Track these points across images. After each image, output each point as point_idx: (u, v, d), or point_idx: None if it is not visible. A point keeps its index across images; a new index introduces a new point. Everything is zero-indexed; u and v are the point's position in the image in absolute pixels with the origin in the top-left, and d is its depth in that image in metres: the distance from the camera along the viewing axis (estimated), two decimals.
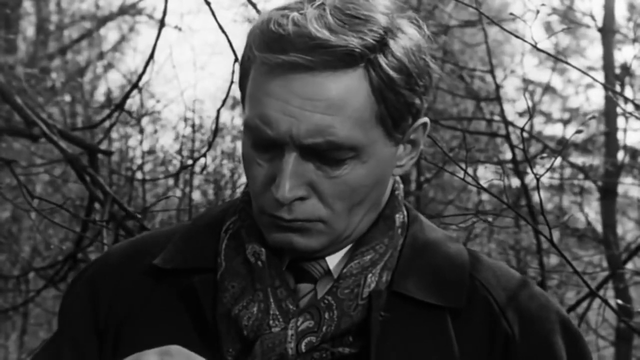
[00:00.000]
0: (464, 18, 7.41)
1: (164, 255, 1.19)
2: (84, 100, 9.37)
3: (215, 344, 1.11)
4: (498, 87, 6.58)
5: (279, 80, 1.05)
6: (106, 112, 5.40)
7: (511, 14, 2.62)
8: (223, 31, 3.24)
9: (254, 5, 3.16)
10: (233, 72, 3.26)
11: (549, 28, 9.32)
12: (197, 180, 7.35)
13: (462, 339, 1.12)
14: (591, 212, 9.04)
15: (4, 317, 7.67)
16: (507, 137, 6.30)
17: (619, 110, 8.64)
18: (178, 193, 6.84)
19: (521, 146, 5.77)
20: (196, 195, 7.55)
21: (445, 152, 2.30)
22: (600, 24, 9.13)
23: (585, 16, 9.30)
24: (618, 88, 8.51)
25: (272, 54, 1.05)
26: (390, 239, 1.15)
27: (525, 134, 6.72)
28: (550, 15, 9.11)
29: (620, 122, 9.16)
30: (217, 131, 3.94)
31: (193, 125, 7.53)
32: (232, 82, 3.49)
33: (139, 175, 6.72)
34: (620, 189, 9.12)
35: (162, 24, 3.87)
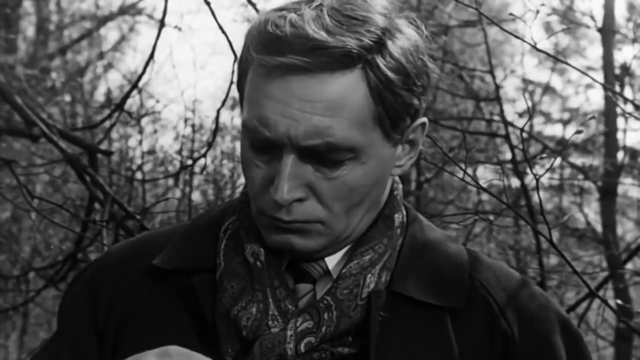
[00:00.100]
0: (464, 18, 7.41)
1: (163, 255, 1.19)
2: (84, 100, 9.37)
3: (215, 344, 1.11)
4: (498, 87, 6.58)
5: (276, 81, 1.05)
6: (106, 112, 5.40)
7: (511, 14, 2.61)
8: (223, 31, 3.25)
9: (254, 5, 3.17)
10: (233, 72, 3.26)
11: (548, 28, 9.32)
12: (196, 181, 7.35)
13: (462, 339, 1.12)
14: (591, 213, 9.05)
15: (4, 317, 7.67)
16: (506, 138, 6.31)
17: (618, 110, 8.64)
18: (178, 193, 6.84)
19: (521, 146, 5.77)
20: (196, 196, 7.56)
21: (445, 152, 2.30)
22: (600, 24, 9.14)
23: (585, 16, 9.32)
24: (618, 88, 8.51)
25: (269, 55, 1.05)
26: (390, 239, 1.15)
27: (525, 134, 6.73)
28: (550, 15, 9.12)
29: (620, 122, 9.17)
30: (217, 131, 3.94)
31: (193, 126, 7.53)
32: (232, 82, 3.49)
33: (138, 175, 6.72)
34: (620, 189, 9.13)
35: (162, 24, 3.87)
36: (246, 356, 1.09)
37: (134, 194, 5.81)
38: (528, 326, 1.15)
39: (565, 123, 10.41)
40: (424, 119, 1.14)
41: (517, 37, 2.42)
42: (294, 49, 1.03)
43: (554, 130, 10.76)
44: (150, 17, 11.16)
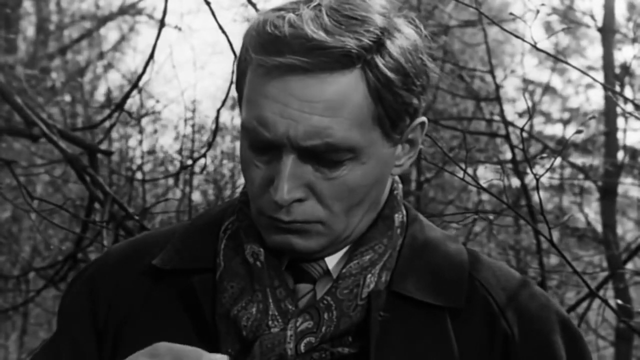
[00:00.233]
0: (464, 18, 7.41)
1: (163, 255, 1.19)
2: (84, 100, 9.37)
3: (215, 345, 1.11)
4: (498, 87, 6.58)
5: (276, 82, 1.05)
6: (106, 112, 5.40)
7: (511, 14, 2.61)
8: (223, 31, 3.25)
9: (254, 5, 3.17)
10: (233, 72, 3.25)
11: (549, 28, 9.33)
12: (197, 181, 7.35)
13: (462, 339, 1.12)
14: (591, 212, 9.04)
15: (4, 317, 7.67)
16: (507, 137, 6.31)
17: (618, 110, 8.65)
18: (178, 193, 6.84)
19: (521, 146, 5.77)
20: (196, 196, 7.56)
21: (445, 152, 2.30)
22: (600, 23, 9.14)
23: (585, 16, 9.32)
24: (618, 88, 8.51)
25: (268, 56, 1.04)
26: (390, 239, 1.15)
27: (525, 134, 6.72)
28: (550, 15, 9.13)
29: (620, 122, 9.18)
30: (217, 131, 3.94)
31: (193, 126, 7.53)
32: (232, 82, 3.49)
33: (139, 175, 6.72)
34: (620, 189, 9.13)
35: (162, 24, 3.87)
36: (246, 356, 1.09)
37: (134, 194, 5.81)
38: (528, 326, 1.15)
39: (566, 123, 10.42)
40: (424, 118, 1.14)
41: (517, 36, 2.42)
42: (293, 49, 1.03)
43: (554, 130, 10.77)
44: (150, 17, 11.18)
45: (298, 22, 1.04)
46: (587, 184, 8.99)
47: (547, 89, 10.10)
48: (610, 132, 8.99)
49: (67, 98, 9.08)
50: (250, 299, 1.10)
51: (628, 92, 9.08)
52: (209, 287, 1.14)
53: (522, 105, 9.61)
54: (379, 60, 1.06)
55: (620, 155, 9.13)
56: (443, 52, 6.78)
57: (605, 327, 7.44)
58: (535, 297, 1.19)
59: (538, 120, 10.10)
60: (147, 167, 7.78)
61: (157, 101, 7.95)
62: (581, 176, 9.04)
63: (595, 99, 11.98)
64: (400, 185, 1.21)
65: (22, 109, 3.34)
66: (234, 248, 1.15)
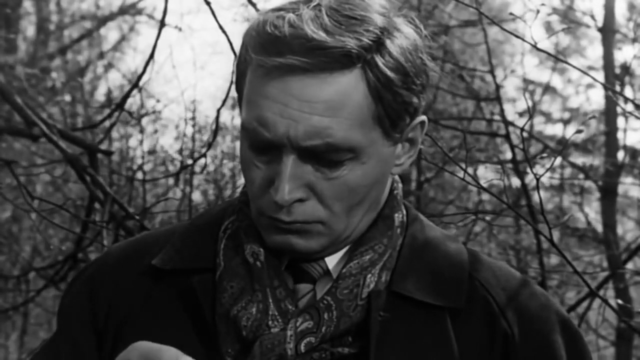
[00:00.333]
0: (464, 18, 7.41)
1: (163, 255, 1.18)
2: (84, 100, 9.37)
3: (215, 344, 1.11)
4: (498, 87, 6.58)
5: (276, 82, 1.05)
6: (106, 112, 5.40)
7: (511, 14, 2.61)
8: (223, 31, 3.25)
9: (254, 5, 3.17)
10: (233, 72, 3.25)
11: (549, 28, 9.33)
12: (197, 180, 7.35)
13: (462, 338, 1.12)
14: (591, 212, 9.04)
15: (4, 317, 7.67)
16: (507, 137, 6.31)
17: (619, 109, 8.64)
18: (178, 193, 6.84)
19: (521, 146, 5.77)
20: (196, 196, 7.56)
21: (445, 152, 2.30)
22: (600, 23, 9.14)
23: (585, 16, 9.32)
24: (618, 88, 8.51)
25: (268, 56, 1.04)
26: (390, 238, 1.15)
27: (525, 134, 6.72)
28: (550, 15, 9.13)
29: (620, 122, 9.17)
30: (217, 131, 3.94)
31: (194, 126, 7.53)
32: (232, 82, 3.49)
33: (139, 175, 6.72)
34: (620, 189, 9.12)
35: (162, 24, 3.87)
36: (246, 356, 1.09)
37: (134, 194, 5.81)
38: (528, 326, 1.15)
39: (566, 123, 10.42)
40: (423, 117, 1.14)
41: (517, 36, 2.42)
42: (293, 50, 1.03)
43: (555, 129, 10.77)
44: (150, 17, 11.17)
45: (298, 22, 1.04)
46: (588, 183, 8.99)
47: (547, 88, 10.10)
48: (611, 132, 8.99)
49: (67, 98, 9.08)
50: (250, 299, 1.10)
51: (628, 92, 9.08)
52: (208, 287, 1.14)
53: (522, 105, 9.62)
54: (379, 60, 1.06)
55: (620, 155, 9.13)
56: (443, 52, 6.78)
57: (605, 327, 7.44)
58: (536, 296, 1.18)
59: (538, 120, 10.11)
60: (148, 167, 7.79)
61: (158, 101, 7.95)
62: (581, 176, 9.03)
63: (596, 98, 11.99)
64: (400, 185, 1.21)
65: (22, 109, 3.34)
66: (233, 248, 1.15)
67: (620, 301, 3.02)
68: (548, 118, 10.51)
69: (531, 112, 6.21)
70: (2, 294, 6.90)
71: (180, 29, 6.66)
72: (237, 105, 1.12)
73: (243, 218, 1.16)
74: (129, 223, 3.42)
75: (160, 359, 0.97)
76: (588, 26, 9.47)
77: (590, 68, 9.60)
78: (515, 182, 6.87)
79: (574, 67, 2.67)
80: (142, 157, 7.57)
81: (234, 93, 1.15)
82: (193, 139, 7.56)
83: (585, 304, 3.86)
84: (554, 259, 7.18)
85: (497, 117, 7.16)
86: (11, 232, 8.04)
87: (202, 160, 5.63)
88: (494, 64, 6.86)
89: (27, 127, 3.34)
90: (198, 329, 1.13)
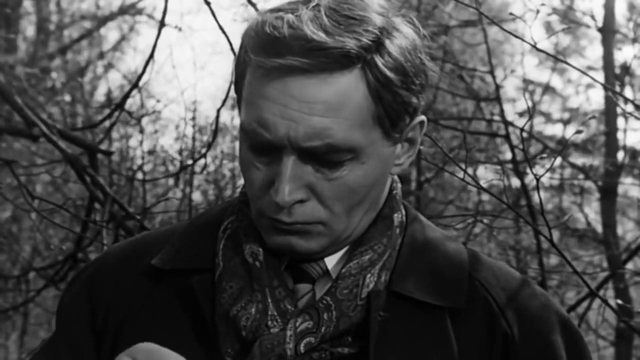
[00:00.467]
0: (464, 18, 7.40)
1: (162, 255, 1.18)
2: (84, 100, 9.37)
3: (214, 345, 1.11)
4: (498, 87, 6.57)
5: (275, 83, 1.05)
6: (106, 112, 5.40)
7: (511, 14, 2.61)
8: (223, 31, 3.25)
9: (254, 5, 3.17)
10: (233, 72, 3.25)
11: (549, 28, 9.32)
12: (197, 181, 7.34)
13: (462, 339, 1.12)
14: (591, 212, 9.04)
15: (4, 317, 7.67)
16: (507, 137, 6.30)
17: (619, 110, 8.64)
18: (178, 193, 6.84)
19: (521, 146, 5.77)
20: (196, 196, 7.55)
21: (445, 152, 2.30)
22: (600, 23, 9.14)
23: (585, 16, 9.32)
24: (618, 88, 8.50)
25: (268, 57, 1.04)
26: (389, 238, 1.15)
27: (525, 134, 6.73)
28: (550, 15, 9.12)
29: (620, 122, 9.17)
30: (217, 131, 3.94)
31: (194, 126, 7.53)
32: (232, 82, 3.48)
33: (139, 175, 6.71)
34: (620, 189, 9.12)
35: (162, 23, 3.87)
36: (246, 356, 1.09)
37: (134, 194, 5.80)
38: (528, 326, 1.15)
39: (566, 123, 10.41)
40: (423, 117, 1.14)
41: (517, 37, 2.42)
42: (293, 50, 1.03)
43: (554, 130, 10.77)
44: (150, 17, 11.17)
45: (297, 23, 1.04)
46: (587, 184, 8.98)
47: (547, 89, 10.10)
48: (610, 132, 8.99)
49: (67, 98, 9.09)
50: (250, 299, 1.10)
51: (628, 92, 9.07)
52: (208, 287, 1.14)
53: (522, 105, 9.61)
54: (379, 60, 1.06)
55: (620, 155, 9.13)
56: (443, 52, 6.78)
57: (605, 327, 7.43)
58: (535, 297, 1.18)
59: (538, 120, 10.11)
60: (148, 167, 7.78)
61: (158, 101, 7.96)
62: (581, 176, 9.03)
63: (595, 99, 11.98)
64: (399, 185, 1.21)
65: (22, 109, 3.34)
66: (233, 248, 1.15)
67: (620, 301, 3.01)
68: (548, 118, 10.51)
69: (531, 112, 6.21)
70: (2, 294, 6.90)
71: (180, 29, 6.65)
72: (237, 106, 1.11)
73: (242, 218, 1.16)
74: (129, 223, 3.42)
75: None
76: (588, 26, 9.47)
77: (590, 68, 9.61)
78: (515, 182, 6.87)
79: (573, 67, 2.67)
80: (142, 157, 7.56)
81: (234, 93, 1.15)
82: (193, 139, 7.56)
83: (585, 304, 3.86)
84: (553, 259, 7.18)
85: (497, 117, 7.15)
86: (11, 232, 8.04)
87: (202, 161, 5.62)
88: (494, 64, 6.85)
89: (27, 127, 3.34)
90: (198, 329, 1.13)
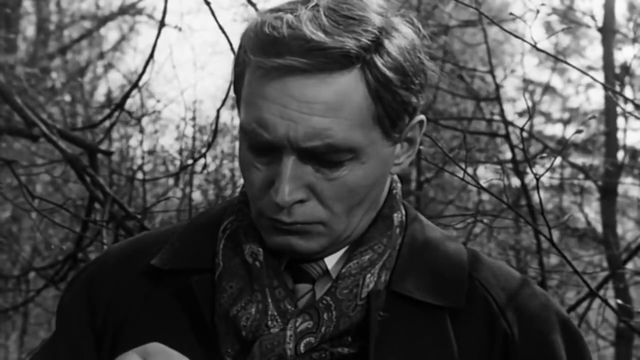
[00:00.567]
0: (464, 18, 7.41)
1: (162, 255, 1.18)
2: (84, 100, 9.37)
3: (214, 345, 1.11)
4: (498, 87, 6.57)
5: (275, 83, 1.05)
6: (106, 112, 5.40)
7: (511, 14, 2.61)
8: (223, 31, 3.24)
9: (254, 5, 3.17)
10: (232, 72, 3.25)
11: (549, 28, 9.33)
12: (197, 180, 7.34)
13: (462, 338, 1.12)
14: (591, 212, 9.04)
15: (4, 317, 7.67)
16: (507, 137, 6.30)
17: (618, 110, 8.65)
18: (178, 193, 6.84)
19: (521, 146, 5.76)
20: (197, 196, 7.55)
21: (445, 152, 2.30)
22: (600, 23, 9.14)
23: (585, 16, 9.32)
24: (618, 88, 8.50)
25: (267, 57, 1.04)
26: (389, 238, 1.15)
27: (525, 134, 6.73)
28: (550, 15, 9.12)
29: (620, 122, 9.17)
30: (217, 131, 3.94)
31: (194, 126, 7.53)
32: (232, 82, 3.48)
33: (139, 175, 6.72)
34: (620, 189, 9.12)
35: (162, 24, 3.87)
36: (246, 356, 1.09)
37: (134, 194, 5.80)
38: (528, 326, 1.15)
39: (566, 123, 10.41)
40: (422, 117, 1.14)
41: (517, 36, 2.42)
42: (292, 51, 1.03)
43: (554, 129, 10.77)
44: (150, 17, 11.17)
45: (296, 23, 1.04)
46: (587, 184, 8.98)
47: (547, 89, 10.10)
48: (610, 132, 8.99)
49: (67, 98, 9.09)
50: (250, 299, 1.10)
51: (628, 92, 9.06)
52: (207, 287, 1.14)
53: (522, 105, 9.62)
54: (378, 60, 1.06)
55: (620, 155, 9.13)
56: (443, 52, 6.78)
57: (605, 327, 7.43)
58: (535, 296, 1.18)
59: (538, 120, 10.11)
60: (148, 167, 7.79)
61: (158, 101, 7.96)
62: (581, 176, 9.03)
63: (595, 98, 11.98)
64: (399, 185, 1.21)
65: (22, 109, 3.34)
66: (232, 248, 1.15)
67: (620, 301, 3.02)
68: (548, 118, 10.51)
69: (531, 112, 6.21)
70: (2, 294, 6.90)
71: (180, 29, 6.65)
72: (236, 106, 1.11)
73: (242, 218, 1.16)
74: (129, 223, 3.42)
75: None
76: (588, 26, 9.47)
77: (590, 68, 9.61)
78: (515, 182, 6.87)
79: (573, 67, 2.67)
80: (142, 157, 7.57)
81: (234, 93, 1.15)
82: (193, 139, 7.56)
83: (585, 304, 3.86)
84: (553, 259, 7.18)
85: (497, 117, 7.15)
86: (11, 232, 8.04)
87: (202, 160, 5.62)
88: (494, 64, 6.85)
89: (27, 127, 3.34)
90: (197, 329, 1.13)
